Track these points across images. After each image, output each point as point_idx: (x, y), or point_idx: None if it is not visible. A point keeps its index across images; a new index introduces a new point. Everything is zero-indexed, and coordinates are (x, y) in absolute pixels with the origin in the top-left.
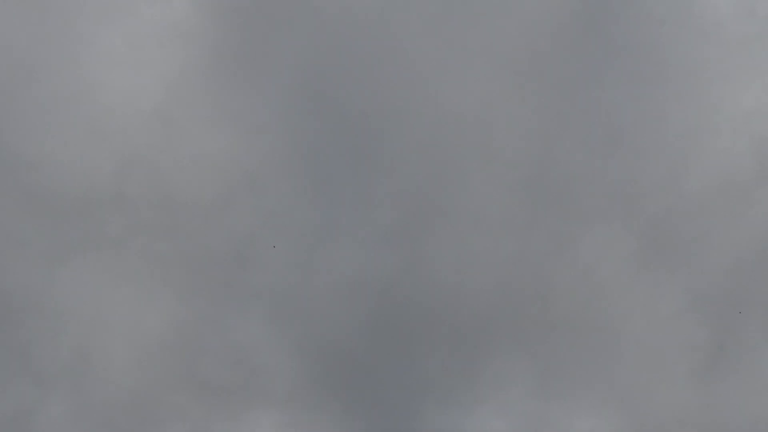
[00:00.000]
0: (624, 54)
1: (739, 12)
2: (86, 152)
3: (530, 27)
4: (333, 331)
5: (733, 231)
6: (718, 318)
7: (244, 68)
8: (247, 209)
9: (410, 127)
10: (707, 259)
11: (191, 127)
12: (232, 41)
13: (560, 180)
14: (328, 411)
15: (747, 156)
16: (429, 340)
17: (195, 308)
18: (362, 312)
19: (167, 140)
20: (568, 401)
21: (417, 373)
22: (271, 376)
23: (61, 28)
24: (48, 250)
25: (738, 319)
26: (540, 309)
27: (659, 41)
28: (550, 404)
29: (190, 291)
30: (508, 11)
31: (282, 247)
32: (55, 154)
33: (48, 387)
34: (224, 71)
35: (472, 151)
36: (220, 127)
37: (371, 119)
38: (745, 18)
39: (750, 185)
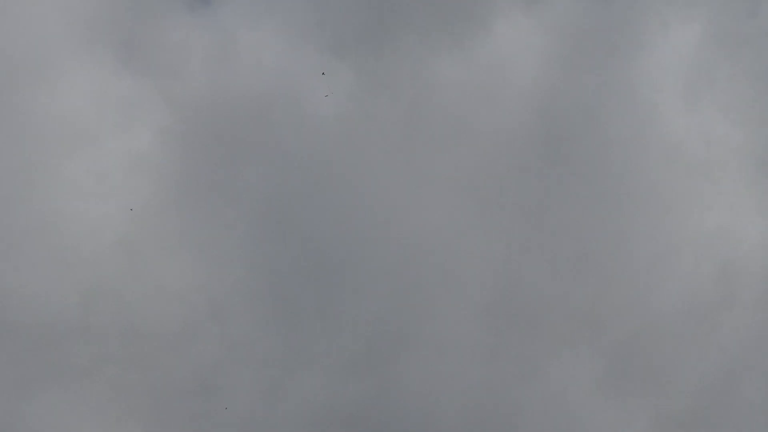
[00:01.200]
0: (587, 178)
1: (697, 137)
2: (51, 282)
3: (493, 153)
4: None
5: (699, 354)
6: None
7: (209, 198)
8: (213, 339)
9: (374, 255)
10: (673, 381)
11: (156, 257)
12: (196, 172)
13: (526, 304)
14: None
15: (710, 279)
16: None
17: None
18: None
19: (132, 270)
20: None
21: None
22: None
23: (26, 159)
24: (14, 381)
25: None
26: None
27: (621, 165)
28: None
29: (158, 422)
30: (470, 138)
31: (248, 376)
32: (20, 285)
33: None
34: (188, 202)
35: (437, 276)
36: (185, 257)
37: (336, 248)
38: (704, 143)
39: (714, 308)
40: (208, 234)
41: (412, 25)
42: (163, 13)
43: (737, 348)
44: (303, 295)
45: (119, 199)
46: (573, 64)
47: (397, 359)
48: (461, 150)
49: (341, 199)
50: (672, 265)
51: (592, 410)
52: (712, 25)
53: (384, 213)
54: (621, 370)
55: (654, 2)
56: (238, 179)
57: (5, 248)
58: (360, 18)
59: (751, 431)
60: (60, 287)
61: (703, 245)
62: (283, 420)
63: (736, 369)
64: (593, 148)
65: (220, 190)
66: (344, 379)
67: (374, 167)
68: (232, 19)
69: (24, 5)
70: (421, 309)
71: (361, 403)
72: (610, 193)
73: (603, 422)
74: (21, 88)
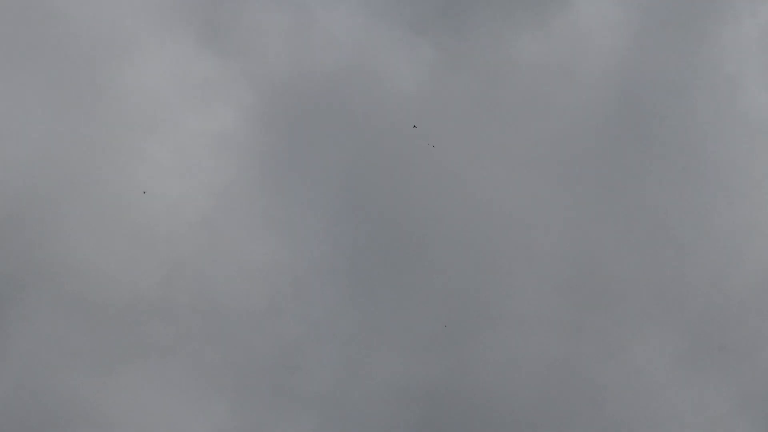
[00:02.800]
0: (667, 151)
1: None
2: (134, 261)
3: (572, 128)
4: None
5: None
6: None
7: (289, 177)
8: (294, 316)
9: (454, 231)
10: (758, 358)
11: (237, 235)
12: (277, 151)
13: (606, 281)
14: None
15: None
16: None
17: (244, 415)
18: (411, 416)
19: (214, 249)
20: None
21: None
22: None
23: (110, 139)
24: (97, 359)
25: None
26: (590, 411)
27: (703, 140)
28: None
29: (240, 398)
30: (549, 114)
31: (329, 353)
32: (102, 264)
33: None
34: (269, 180)
35: (516, 253)
36: (266, 235)
37: (415, 225)
38: None
39: None
40: (290, 212)
41: (492, 0)
42: None
43: None
44: (383, 272)
45: (201, 178)
46: (654, 39)
47: (476, 336)
48: (541, 126)
49: (421, 176)
50: (753, 240)
51: (674, 386)
52: None
53: (464, 189)
54: (704, 345)
55: None
56: (319, 157)
57: (88, 228)
58: None
59: None
60: (142, 266)
61: None
62: (363, 396)
63: None
64: (674, 123)
65: (301, 167)
66: (424, 355)
67: (453, 143)
68: None
69: None
70: (501, 285)
71: (440, 380)
72: (690, 168)
73: (686, 398)
74: (104, 68)
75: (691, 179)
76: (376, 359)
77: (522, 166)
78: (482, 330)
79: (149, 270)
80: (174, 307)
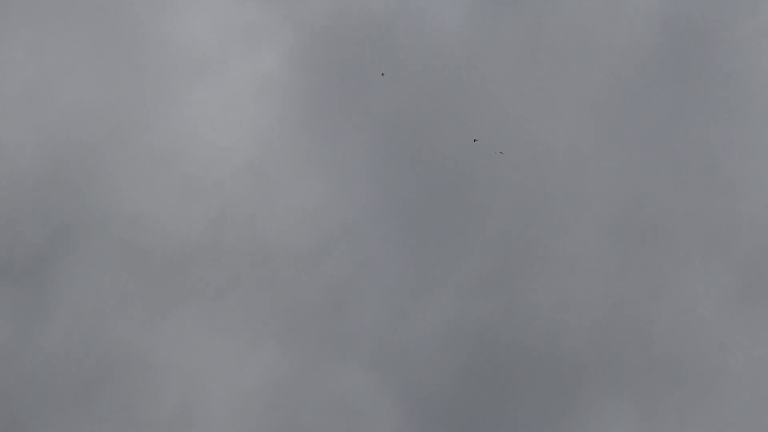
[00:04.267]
0: (715, 90)
1: None
2: (182, 207)
3: (618, 66)
4: (432, 376)
5: None
6: None
7: (337, 120)
8: (344, 259)
9: (502, 173)
10: None
11: (285, 179)
12: (323, 94)
13: (655, 219)
14: None
15: None
16: (528, 383)
17: (295, 358)
18: (461, 358)
19: (262, 193)
20: None
21: (517, 416)
22: (372, 423)
23: (155, 87)
24: (148, 305)
25: None
26: (640, 349)
27: (752, 77)
28: None
29: (290, 341)
30: (596, 51)
31: (380, 295)
32: (152, 210)
33: None
34: (315, 123)
35: (565, 193)
36: (314, 178)
37: (464, 166)
38: None
39: None
40: (337, 155)
41: None
42: None
43: None
44: (432, 214)
45: (247, 123)
46: None
47: (525, 276)
48: (587, 64)
49: (467, 118)
50: None
51: (726, 324)
52: None
53: (510, 131)
54: (755, 281)
55: None
56: (366, 99)
57: (137, 176)
58: None
59: None
60: (191, 212)
61: None
62: (413, 338)
63: None
64: (721, 59)
65: (347, 110)
66: (473, 297)
67: (499, 84)
68: None
69: None
70: (550, 226)
71: (490, 321)
72: (740, 104)
73: (735, 335)
74: (149, 17)
75: (741, 114)
76: (426, 301)
77: (569, 105)
78: (532, 270)
79: (198, 216)
80: (223, 251)
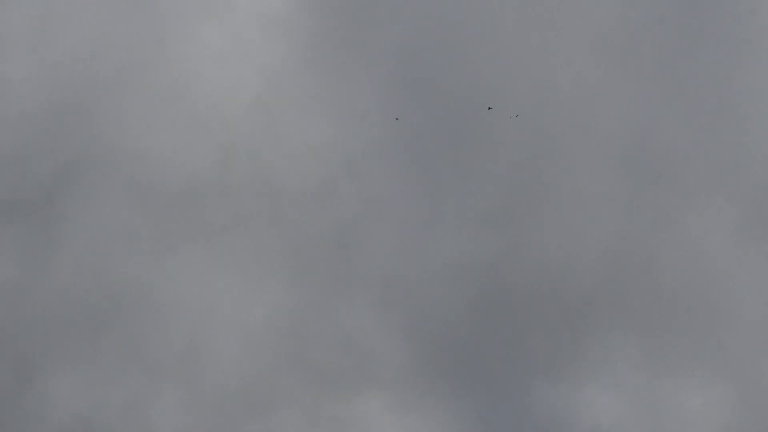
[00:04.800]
0: (727, 24)
1: None
2: (189, 144)
3: (628, 2)
4: (440, 313)
5: None
6: None
7: (344, 57)
8: (351, 196)
9: (510, 108)
10: None
11: (292, 116)
12: (331, 31)
13: (662, 153)
14: (437, 391)
15: None
16: (536, 318)
17: (302, 295)
18: (468, 293)
19: (269, 130)
20: (678, 376)
21: (524, 351)
22: (379, 359)
23: (162, 25)
24: (155, 242)
25: None
26: (646, 283)
27: (764, 10)
28: (659, 379)
29: (297, 278)
30: None
31: (386, 232)
32: (159, 147)
33: (160, 376)
34: (324, 61)
35: (573, 128)
36: (321, 115)
37: (471, 103)
38: None
39: None
40: (344, 91)
41: None
42: None
43: None
44: (439, 149)
45: (253, 60)
46: None
47: (533, 211)
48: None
49: (475, 54)
50: None
51: (732, 258)
52: None
53: (518, 66)
54: (761, 216)
55: None
56: (374, 36)
57: (144, 112)
58: None
59: None
60: (198, 148)
61: None
62: (420, 274)
63: None
64: None
65: (354, 47)
66: (481, 232)
67: (507, 19)
68: None
69: None
70: (557, 161)
71: (497, 256)
72: (750, 41)
73: (743, 270)
74: None
75: (751, 52)
76: (434, 237)
77: (578, 40)
78: (540, 206)
79: (205, 153)
80: (230, 188)
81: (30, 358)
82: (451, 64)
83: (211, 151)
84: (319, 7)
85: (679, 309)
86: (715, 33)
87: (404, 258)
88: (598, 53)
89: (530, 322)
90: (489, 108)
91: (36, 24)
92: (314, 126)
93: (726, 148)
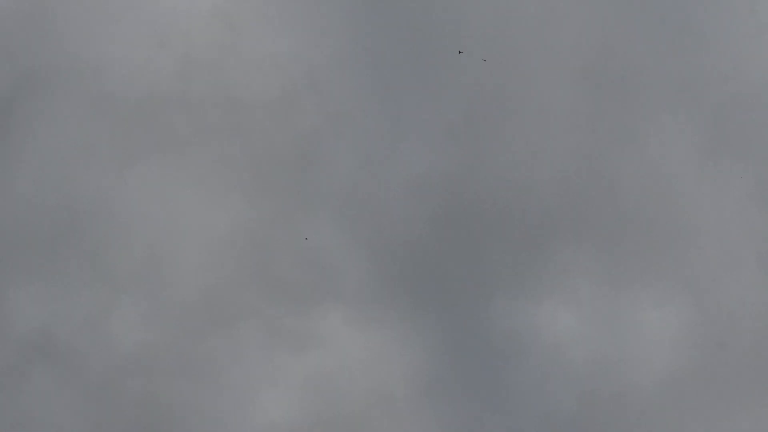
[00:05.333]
0: None
1: None
2: (149, 55)
3: None
4: (401, 227)
5: None
6: None
7: None
8: (312, 108)
9: (472, 22)
10: None
11: (254, 27)
12: None
13: (624, 70)
14: (398, 306)
15: None
16: (496, 234)
17: (263, 208)
18: (430, 208)
19: (230, 41)
20: (636, 292)
21: (485, 267)
22: (340, 274)
23: None
24: (115, 155)
25: None
26: (606, 200)
27: None
28: (618, 295)
29: (258, 192)
30: None
31: (349, 146)
32: (119, 59)
33: (120, 289)
34: None
35: (535, 44)
36: (283, 27)
37: (434, 17)
38: None
39: None
40: (306, 3)
41: None
42: None
43: None
44: (402, 63)
45: None
46: None
47: (495, 126)
48: None
49: None
50: None
51: (691, 176)
52: None
53: None
54: (720, 135)
55: None
56: None
57: (103, 21)
58: None
59: None
60: (158, 59)
61: None
62: (383, 188)
63: None
64: None
65: None
66: (444, 147)
67: None
68: None
69: None
70: (519, 75)
71: (460, 172)
72: None
73: (701, 188)
74: None
75: None
76: (395, 152)
77: None
78: (502, 120)
79: (166, 63)
80: (190, 100)
81: None
82: None
83: (171, 63)
84: None
85: (638, 226)
86: None
87: (367, 172)
88: None
89: (491, 238)
90: (484, 60)
91: None
92: (276, 38)
93: (688, 66)
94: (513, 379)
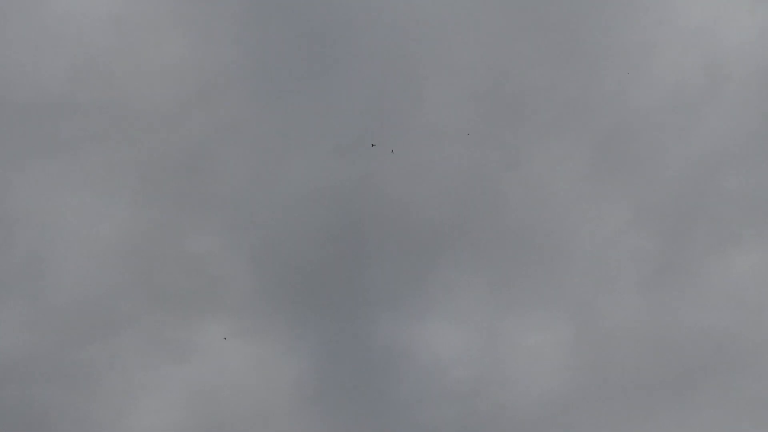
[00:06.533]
0: None
1: None
2: (40, 58)
3: None
4: (288, 240)
5: (682, 146)
6: (665, 231)
7: None
8: (204, 119)
9: (368, 39)
10: (656, 172)
11: (148, 34)
12: None
13: (515, 92)
14: (282, 319)
15: (697, 72)
16: (383, 249)
17: (150, 216)
18: (317, 222)
19: (123, 47)
20: (519, 312)
21: (370, 282)
22: (225, 285)
23: None
24: (4, 155)
25: (685, 232)
26: (492, 220)
27: None
28: (501, 314)
29: (146, 199)
30: None
31: (238, 157)
32: (9, 61)
33: (1, 292)
34: None
35: (429, 62)
36: (177, 35)
37: (329, 31)
38: None
39: (698, 101)
40: (202, 12)
41: None
42: None
43: (719, 140)
44: (296, 77)
45: None
46: None
47: (388, 143)
48: None
49: None
50: (659, 57)
51: (575, 199)
52: None
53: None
54: (605, 160)
55: None
56: None
57: None
58: None
59: (730, 220)
60: (49, 63)
61: (689, 39)
62: (270, 201)
63: (717, 160)
64: None
65: None
66: (334, 163)
67: None
68: None
69: None
70: (413, 94)
71: (349, 187)
72: None
73: (585, 212)
74: None
75: None
76: (286, 164)
77: None
78: (393, 136)
79: (57, 67)
80: (81, 105)
81: None
82: None
83: (62, 66)
84: None
85: (522, 247)
86: None
87: (255, 184)
88: None
89: (377, 255)
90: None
91: None
92: (169, 46)
93: (576, 90)
94: (393, 395)
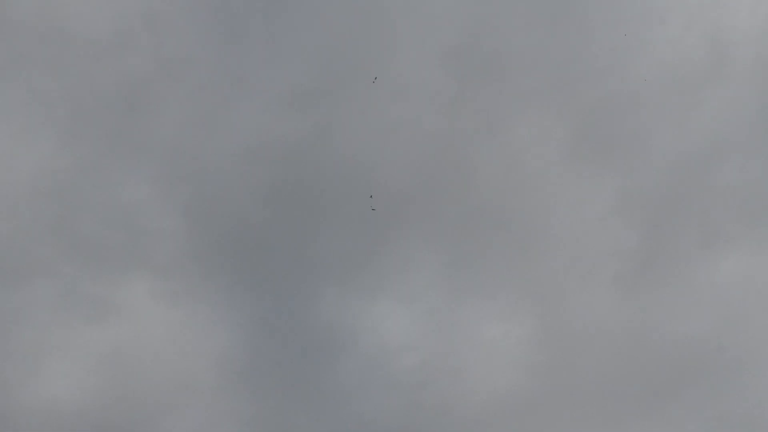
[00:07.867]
0: None
1: None
2: None
3: None
4: (228, 196)
5: (675, 129)
6: (649, 222)
7: None
8: (146, 51)
9: None
10: (645, 157)
11: None
12: None
13: (496, 53)
14: (214, 283)
15: (698, 49)
16: (335, 218)
17: (76, 155)
18: (263, 178)
19: None
20: (479, 298)
21: (317, 251)
22: (153, 240)
23: None
24: None
25: (670, 226)
26: (457, 192)
27: None
28: (458, 299)
29: (72, 135)
30: None
31: (181, 97)
32: None
33: None
34: None
35: (402, 12)
36: None
37: None
38: None
39: (699, 81)
40: None
41: None
42: None
43: (719, 127)
44: (251, 14)
45: None
46: None
47: (346, 96)
48: None
49: None
50: (659, 29)
51: (552, 179)
52: None
53: None
54: (590, 137)
55: None
56: None
57: None
58: None
59: (720, 216)
60: None
61: (693, 11)
62: (213, 151)
63: (713, 150)
64: None
65: None
66: (286, 112)
67: None
68: None
69: None
70: (380, 42)
71: (302, 143)
72: None
73: (565, 191)
74: None
75: None
76: (232, 113)
77: None
78: (355, 90)
79: None
80: (8, 26)
81: None
82: None
83: None
84: None
85: (490, 226)
86: None
87: (198, 131)
88: None
89: (328, 222)
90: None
91: None
92: None
93: (565, 57)
94: (333, 379)
